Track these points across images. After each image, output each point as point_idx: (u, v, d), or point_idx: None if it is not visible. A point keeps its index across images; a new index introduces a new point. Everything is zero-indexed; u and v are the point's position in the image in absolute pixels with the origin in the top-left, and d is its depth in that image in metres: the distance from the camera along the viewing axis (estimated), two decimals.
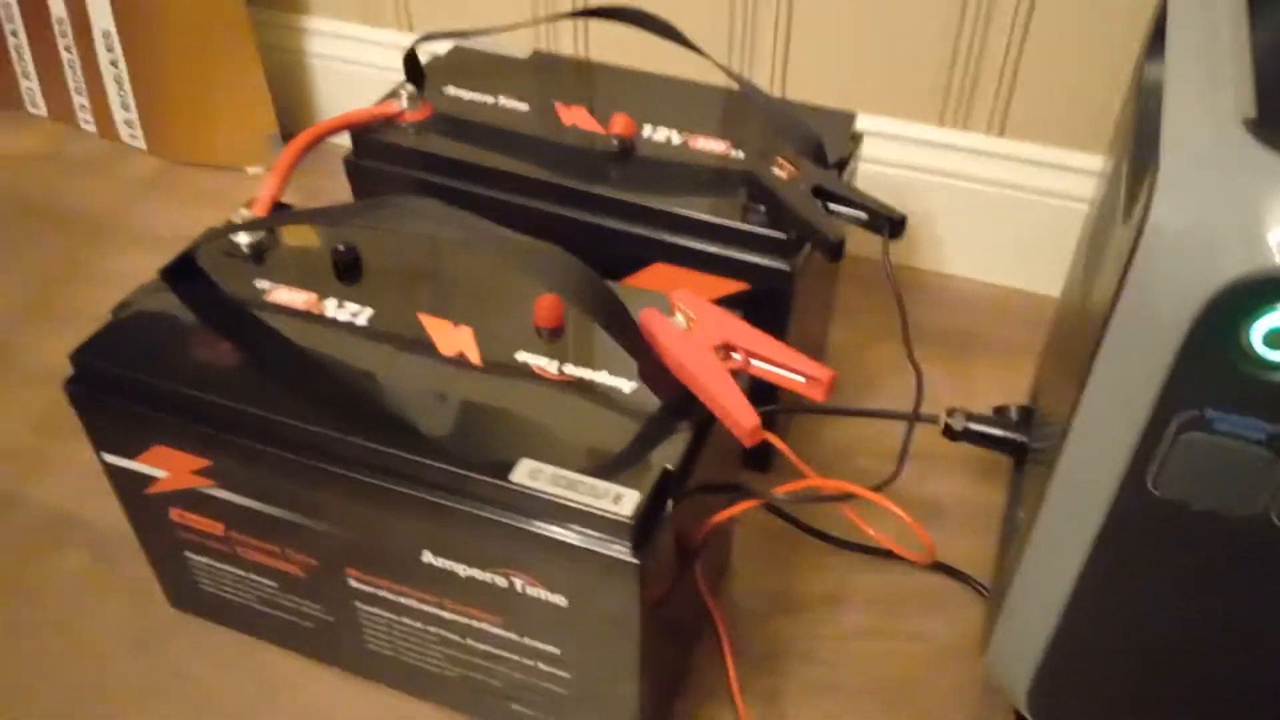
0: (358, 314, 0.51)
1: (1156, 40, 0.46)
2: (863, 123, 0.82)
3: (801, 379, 0.45)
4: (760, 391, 0.61)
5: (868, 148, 0.83)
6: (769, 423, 0.63)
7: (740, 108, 0.69)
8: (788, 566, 0.64)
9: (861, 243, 0.85)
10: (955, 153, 0.81)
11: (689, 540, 0.48)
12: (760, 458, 0.69)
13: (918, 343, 0.80)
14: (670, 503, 0.44)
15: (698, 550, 0.49)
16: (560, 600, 0.45)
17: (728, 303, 0.61)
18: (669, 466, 0.43)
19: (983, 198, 0.82)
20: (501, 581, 0.46)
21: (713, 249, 0.60)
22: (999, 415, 0.61)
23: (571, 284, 0.42)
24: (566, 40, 0.89)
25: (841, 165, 0.64)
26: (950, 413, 0.61)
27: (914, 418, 0.58)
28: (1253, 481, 0.37)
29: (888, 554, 0.64)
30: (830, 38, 0.80)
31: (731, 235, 0.59)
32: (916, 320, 0.82)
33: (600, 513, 0.42)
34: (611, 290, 0.43)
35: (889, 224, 0.55)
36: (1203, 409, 0.36)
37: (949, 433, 0.61)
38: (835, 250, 0.54)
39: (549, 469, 0.43)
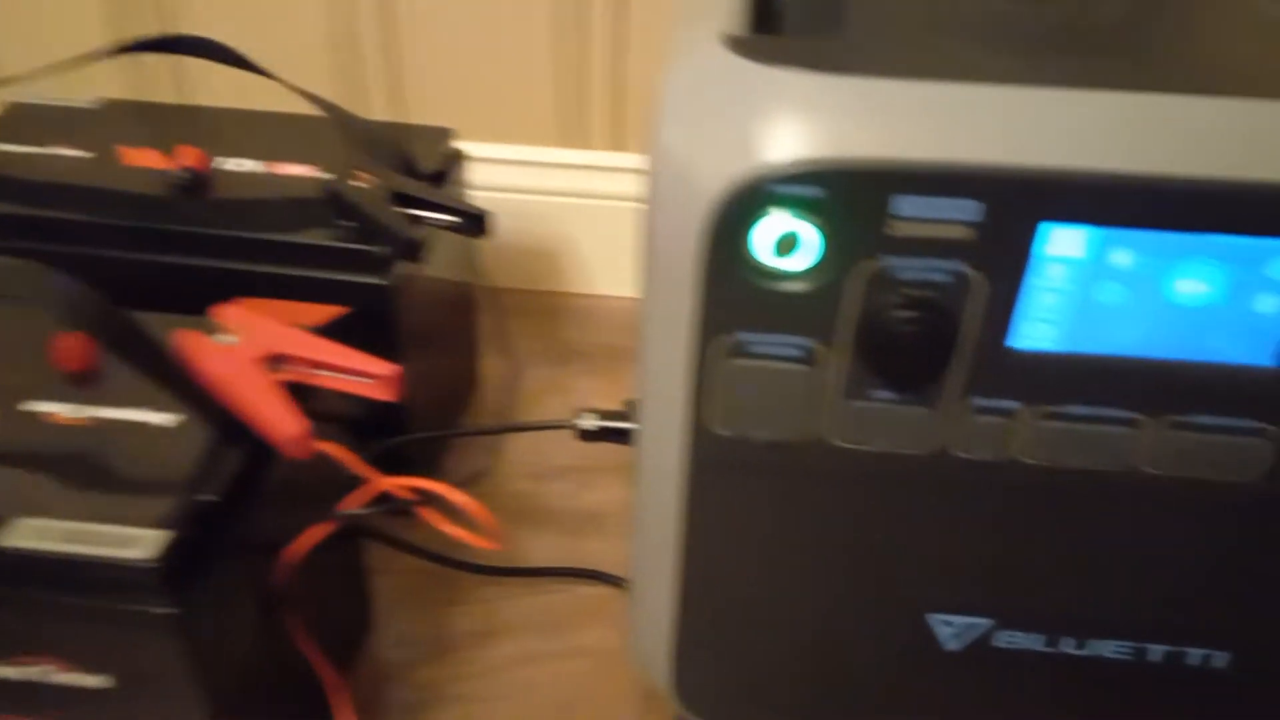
0: None
1: None
2: (492, 151, 0.80)
3: (368, 380, 0.41)
4: (389, 420, 0.56)
5: (502, 176, 0.81)
6: (395, 455, 0.58)
7: (333, 133, 0.65)
8: (437, 607, 0.59)
9: (513, 273, 0.83)
10: (582, 171, 0.81)
11: (267, 584, 0.43)
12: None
13: (574, 363, 0.78)
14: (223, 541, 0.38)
15: (282, 595, 0.43)
16: (105, 682, 0.38)
17: (332, 329, 0.56)
18: (212, 498, 0.38)
19: (615, 213, 0.82)
20: (30, 673, 0.38)
21: (301, 273, 0.55)
22: (630, 408, 0.60)
23: (57, 299, 0.36)
24: (166, 87, 0.82)
25: (439, 178, 0.62)
26: (580, 414, 0.59)
27: (538, 426, 0.55)
28: (801, 402, 0.36)
29: (545, 573, 0.61)
30: (443, 70, 0.78)
31: (317, 255, 0.55)
32: (571, 342, 0.81)
33: (121, 562, 0.35)
34: (105, 302, 0.37)
35: (471, 221, 0.53)
36: (734, 332, 0.35)
37: (585, 435, 0.59)
38: (410, 250, 0.51)
39: (56, 524, 0.36)
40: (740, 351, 0.35)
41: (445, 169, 0.63)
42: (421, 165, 0.60)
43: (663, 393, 0.37)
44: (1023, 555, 0.39)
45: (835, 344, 0.34)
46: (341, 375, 0.41)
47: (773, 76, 0.32)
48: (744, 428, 0.37)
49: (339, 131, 0.64)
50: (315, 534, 0.40)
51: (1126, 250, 0.32)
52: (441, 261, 0.61)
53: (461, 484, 0.67)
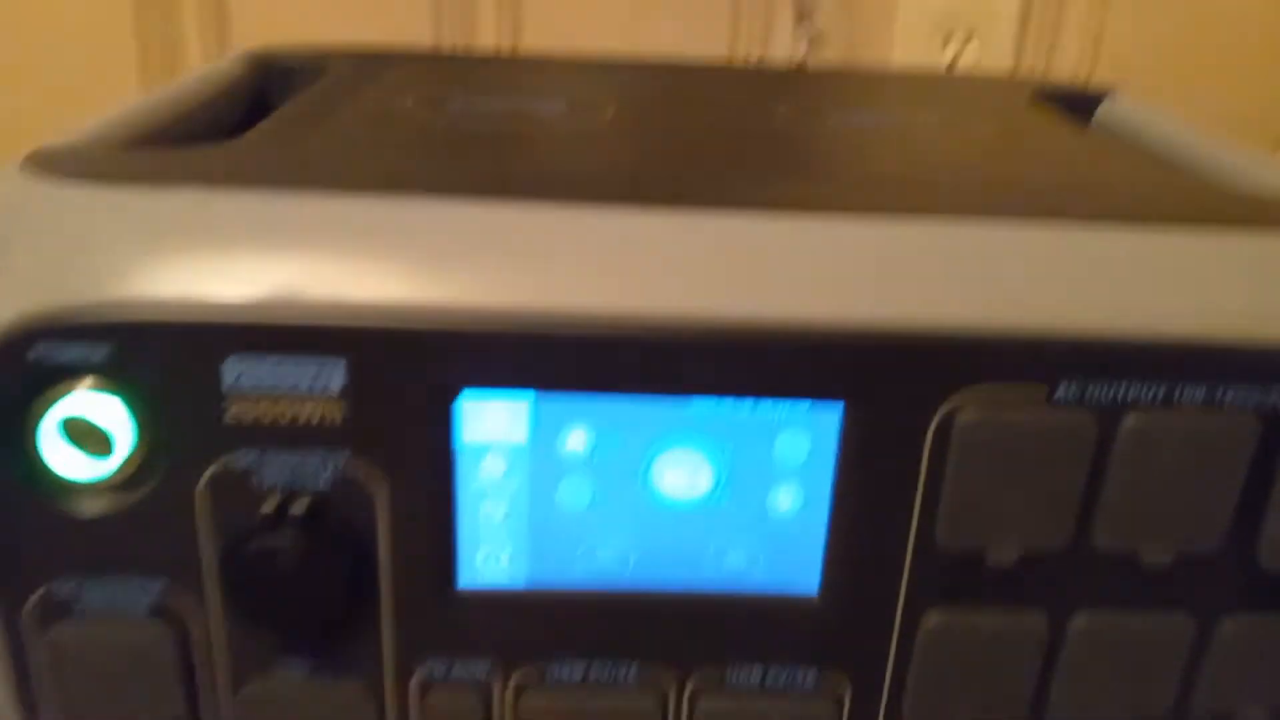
0: None
1: None
2: None
3: None
4: None
5: None
6: None
7: None
8: None
9: None
10: None
11: None
12: None
13: None
14: None
15: None
16: None
17: None
18: None
19: None
20: None
21: None
22: None
23: None
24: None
25: None
26: None
27: None
28: (169, 684, 0.23)
29: None
30: None
31: None
32: None
33: None
34: None
35: None
36: (48, 580, 0.23)
37: None
38: None
39: None
40: (62, 610, 0.23)
41: None
42: None
43: None
44: None
45: (202, 591, 0.23)
46: None
47: (50, 194, 0.22)
48: None
49: None
50: None
51: (584, 429, 0.23)
52: None
53: None
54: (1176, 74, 0.59)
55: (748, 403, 0.22)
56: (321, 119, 0.31)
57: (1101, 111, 0.39)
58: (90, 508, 0.22)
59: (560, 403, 0.22)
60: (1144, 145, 0.34)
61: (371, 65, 0.39)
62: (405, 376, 0.21)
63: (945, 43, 0.58)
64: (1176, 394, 0.22)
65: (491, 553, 0.23)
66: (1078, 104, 0.39)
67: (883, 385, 0.22)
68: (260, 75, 0.37)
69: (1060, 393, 0.22)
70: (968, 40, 0.58)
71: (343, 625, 0.23)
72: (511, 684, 0.24)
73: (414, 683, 0.24)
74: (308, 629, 0.23)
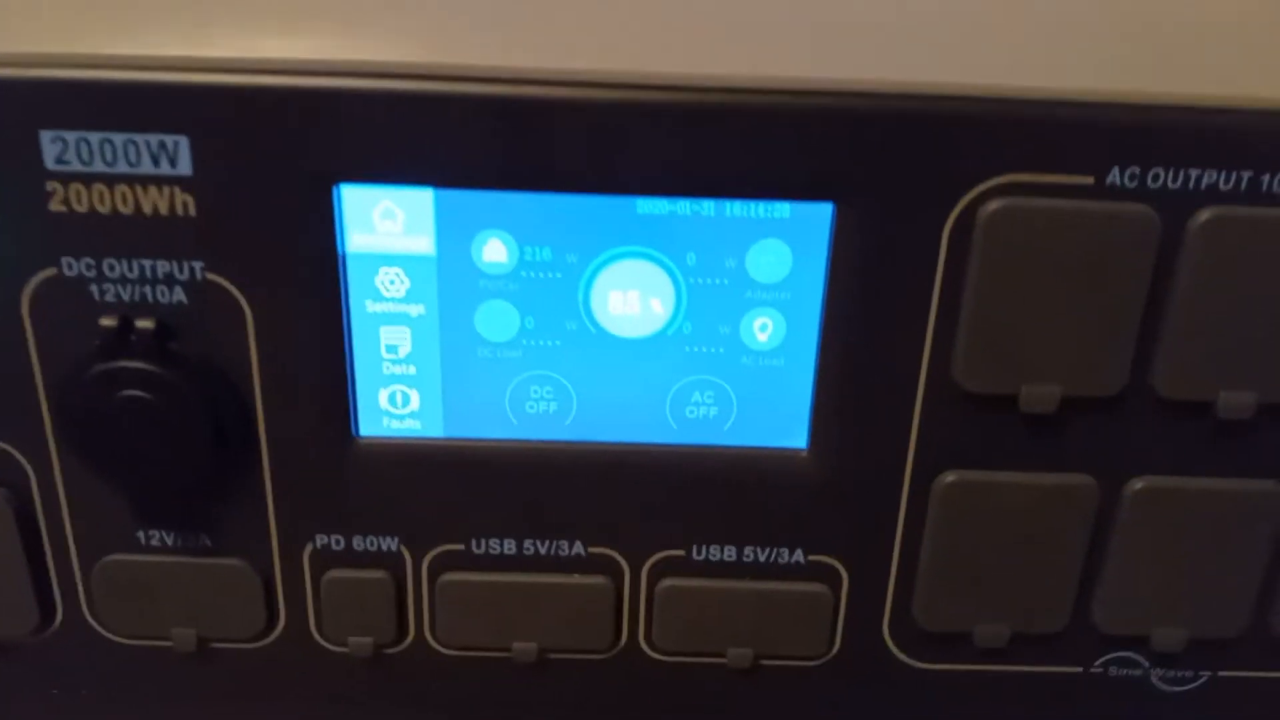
0: None
1: None
2: None
3: None
4: None
5: None
6: None
7: None
8: None
9: None
10: None
11: None
12: None
13: None
14: None
15: None
16: None
17: None
18: None
19: None
20: None
21: None
22: None
23: None
24: None
25: None
26: None
27: None
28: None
29: None
30: None
31: None
32: None
33: None
34: None
35: None
36: None
37: None
38: None
39: None
40: None
41: None
42: None
43: None
44: None
45: (40, 437, 0.19)
46: None
47: None
48: None
49: None
50: None
51: (505, 236, 0.18)
52: None
53: None
54: None
55: (712, 203, 0.18)
56: None
57: None
58: None
59: (472, 200, 0.18)
60: None
61: None
62: (267, 159, 0.17)
63: None
64: (1264, 182, 0.17)
65: (397, 394, 0.19)
66: None
67: (884, 172, 0.17)
68: None
69: (1113, 179, 0.17)
70: None
71: (214, 482, 0.19)
72: (428, 559, 0.20)
73: (308, 557, 0.19)
74: (168, 483, 0.18)
